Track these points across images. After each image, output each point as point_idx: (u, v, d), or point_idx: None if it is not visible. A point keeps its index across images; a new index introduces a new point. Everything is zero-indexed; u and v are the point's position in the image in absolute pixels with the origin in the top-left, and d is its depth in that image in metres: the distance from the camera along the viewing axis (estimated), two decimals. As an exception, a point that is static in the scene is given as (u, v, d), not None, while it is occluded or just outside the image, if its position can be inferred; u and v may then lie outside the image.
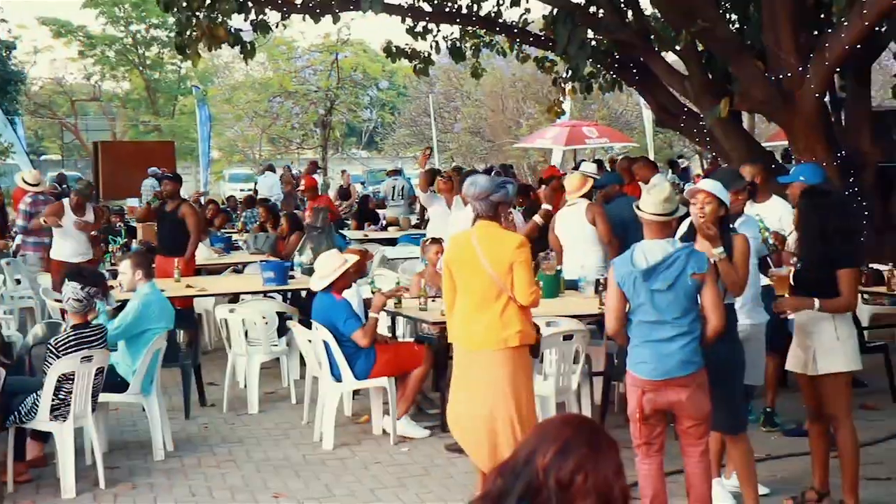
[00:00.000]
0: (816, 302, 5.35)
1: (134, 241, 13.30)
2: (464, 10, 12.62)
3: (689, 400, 4.96)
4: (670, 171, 21.91)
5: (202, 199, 18.33)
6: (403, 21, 12.54)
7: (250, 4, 11.68)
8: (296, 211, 14.81)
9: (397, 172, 20.30)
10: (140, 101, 42.39)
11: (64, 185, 21.65)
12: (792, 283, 5.61)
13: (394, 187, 18.81)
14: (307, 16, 11.93)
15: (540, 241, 8.78)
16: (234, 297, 9.99)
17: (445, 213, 10.29)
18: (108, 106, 43.20)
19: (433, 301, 7.67)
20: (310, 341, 7.45)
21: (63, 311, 7.45)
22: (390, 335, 8.47)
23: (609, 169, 14.95)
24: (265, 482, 6.46)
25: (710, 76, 10.83)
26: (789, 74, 9.68)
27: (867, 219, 9.80)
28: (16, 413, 6.26)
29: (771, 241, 5.89)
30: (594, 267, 8.24)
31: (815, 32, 10.18)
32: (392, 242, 14.42)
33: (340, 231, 15.32)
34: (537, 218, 8.59)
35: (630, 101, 29.88)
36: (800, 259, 5.65)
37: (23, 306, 11.45)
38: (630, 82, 12.25)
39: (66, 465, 6.19)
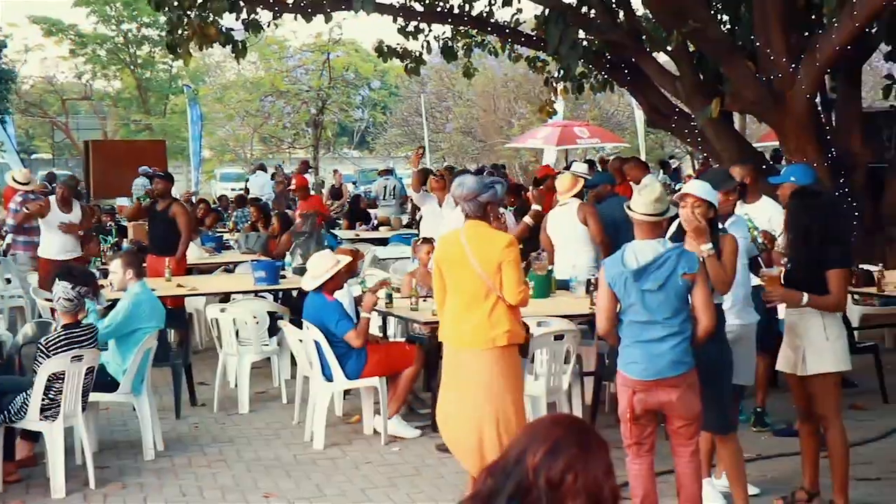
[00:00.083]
0: (805, 296, 5.37)
1: (125, 240, 13.28)
2: (455, 10, 12.64)
3: (680, 400, 4.97)
4: (661, 171, 21.95)
5: (193, 199, 18.31)
6: (395, 21, 12.55)
7: (242, 3, 11.67)
8: (287, 210, 14.81)
9: (389, 172, 20.30)
10: (131, 100, 42.30)
11: (54, 185, 21.57)
12: (783, 283, 5.63)
13: (385, 187, 18.81)
14: (299, 15, 11.93)
15: (531, 242, 8.79)
16: (225, 297, 9.98)
17: (438, 213, 10.30)
18: (99, 105, 43.09)
19: (424, 301, 7.67)
20: (301, 341, 7.44)
21: (53, 311, 7.43)
22: (381, 335, 8.47)
23: (600, 169, 14.97)
24: (256, 482, 6.45)
25: (702, 77, 10.86)
26: (780, 75, 9.71)
27: (857, 219, 9.84)
28: (5, 413, 6.24)
29: (760, 241, 5.89)
30: (585, 267, 8.25)
31: (806, 33, 10.21)
32: (383, 242, 14.42)
33: (332, 231, 15.32)
34: (528, 219, 8.60)
35: (622, 101, 29.92)
36: (790, 259, 5.66)
37: (13, 305, 11.41)
38: (621, 83, 12.28)
39: (55, 465, 6.18)
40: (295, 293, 9.73)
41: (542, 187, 11.44)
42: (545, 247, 8.47)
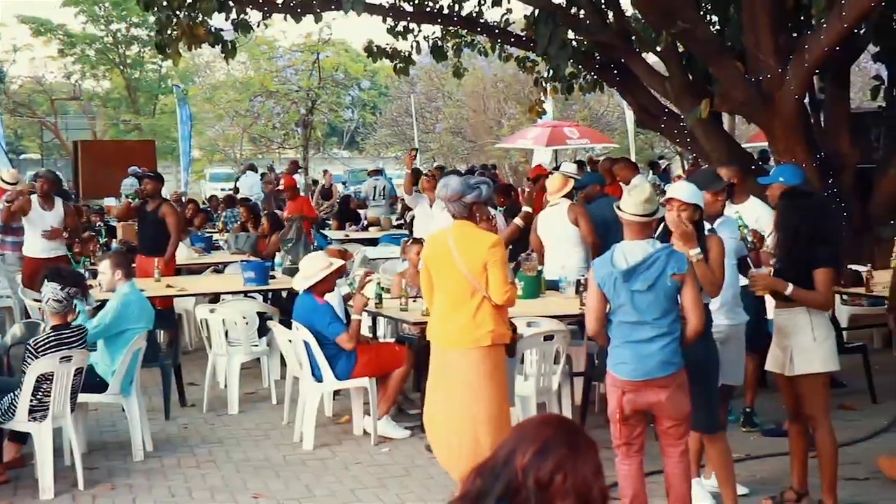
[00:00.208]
0: (790, 286, 5.38)
1: (114, 240, 13.25)
2: (445, 10, 12.63)
3: (669, 400, 4.97)
4: (651, 171, 21.97)
5: (182, 199, 18.26)
6: (385, 21, 12.54)
7: (231, 3, 11.64)
8: (277, 211, 14.78)
9: (378, 172, 20.30)
10: (120, 100, 42.14)
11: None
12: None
13: (375, 187, 18.81)
14: (288, 15, 11.91)
15: (521, 243, 8.80)
16: (215, 297, 9.96)
17: (429, 213, 10.31)
18: (88, 105, 42.91)
19: (414, 301, 7.67)
20: (290, 341, 7.43)
21: (42, 311, 7.41)
22: (371, 335, 8.47)
23: (589, 169, 14.99)
24: (245, 483, 6.44)
25: (691, 77, 10.87)
26: (769, 76, 9.73)
27: (846, 220, 9.86)
28: (-7, 414, 6.22)
29: (750, 239, 5.91)
30: (575, 267, 8.26)
31: (795, 34, 10.23)
32: (373, 242, 14.41)
33: (321, 231, 15.31)
34: (518, 220, 8.61)
35: (611, 101, 29.94)
36: (779, 260, 5.67)
37: (1, 306, 11.37)
38: (611, 83, 12.29)
39: (44, 466, 6.16)
40: (284, 294, 9.71)
41: (534, 187, 11.46)
42: (534, 247, 8.48)
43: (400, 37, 12.90)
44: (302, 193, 17.34)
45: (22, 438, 6.55)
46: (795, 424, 5.71)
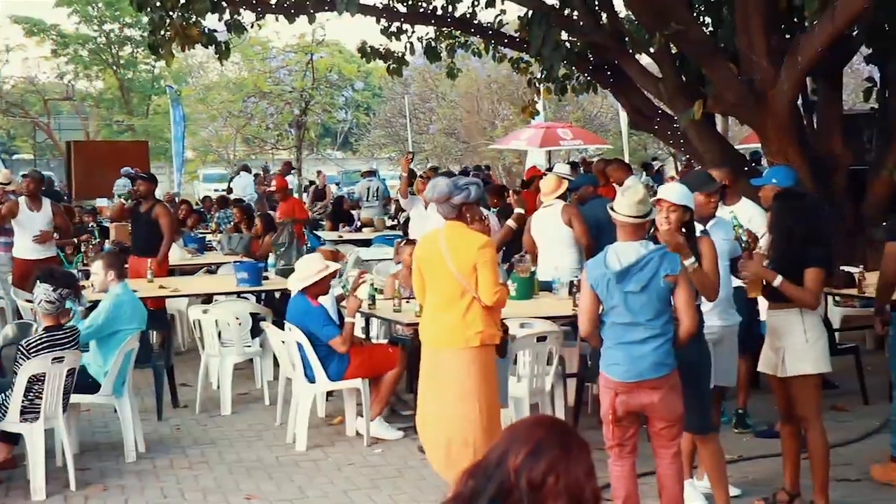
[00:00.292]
0: (779, 277, 5.40)
1: (107, 241, 13.22)
2: (439, 11, 12.63)
3: (662, 402, 4.98)
4: (644, 173, 22.01)
5: (175, 199, 18.25)
6: (378, 22, 12.54)
7: (224, 4, 11.63)
8: (270, 212, 14.76)
9: (372, 173, 20.31)
10: (113, 100, 42.06)
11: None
12: (764, 284, 5.65)
13: (368, 188, 18.82)
14: (282, 16, 11.90)
15: (515, 244, 8.80)
16: (208, 298, 9.94)
17: (425, 215, 10.29)
18: (81, 105, 42.83)
19: (407, 302, 7.67)
20: (283, 342, 7.42)
21: (35, 312, 7.39)
22: (364, 336, 8.46)
23: (583, 170, 15.00)
24: (238, 484, 6.43)
25: (684, 79, 10.89)
26: (762, 77, 9.75)
27: (838, 221, 9.88)
28: (-15, 414, 6.20)
29: (745, 239, 5.91)
30: (569, 268, 8.27)
31: (788, 36, 10.25)
32: (367, 243, 14.42)
33: (315, 232, 15.29)
34: (511, 222, 8.62)
35: (605, 102, 29.96)
36: (772, 261, 5.68)
37: (-6, 307, 11.34)
38: (604, 84, 12.30)
39: (36, 467, 6.14)
40: (278, 294, 9.70)
41: (526, 189, 11.47)
42: (527, 248, 8.48)
43: (394, 37, 12.90)
44: (295, 195, 17.34)
45: (13, 439, 6.52)
46: (788, 425, 5.72)
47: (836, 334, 8.53)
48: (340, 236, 15.82)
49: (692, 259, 5.18)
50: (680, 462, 5.18)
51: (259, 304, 9.55)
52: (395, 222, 17.43)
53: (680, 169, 22.07)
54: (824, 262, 5.49)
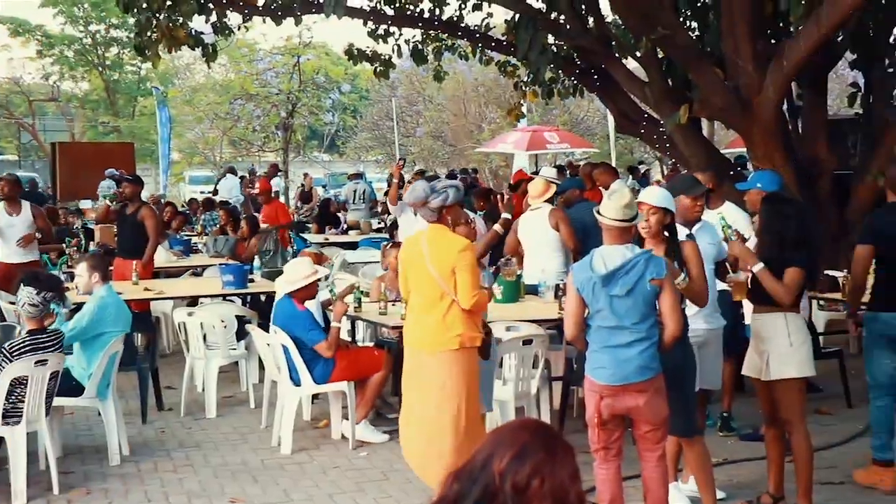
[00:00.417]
0: (760, 264, 5.43)
1: (92, 243, 13.16)
2: (426, 14, 12.64)
3: (647, 405, 4.98)
4: (630, 176, 22.04)
5: (161, 201, 18.19)
6: (365, 24, 12.54)
7: (211, 6, 11.61)
8: (255, 214, 14.74)
9: (359, 176, 20.30)
10: (99, 101, 41.92)
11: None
12: (749, 287, 5.67)
13: (355, 191, 18.80)
14: (268, 18, 11.88)
15: (501, 248, 8.79)
16: (193, 301, 9.92)
17: (413, 219, 10.28)
18: (66, 106, 42.67)
19: (393, 305, 7.67)
20: (269, 345, 7.41)
21: (18, 315, 7.35)
22: (350, 339, 8.45)
23: (569, 174, 15.02)
24: (222, 487, 6.41)
25: (670, 83, 10.91)
26: (748, 82, 9.78)
27: (823, 226, 9.91)
28: (-32, 417, 6.16)
29: (734, 238, 5.93)
30: (555, 272, 8.28)
31: (773, 41, 10.29)
32: (353, 246, 14.41)
33: (301, 235, 15.28)
34: (497, 227, 8.62)
35: (591, 106, 30.01)
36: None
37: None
38: (591, 88, 12.32)
39: (17, 470, 6.11)
40: (263, 297, 9.68)
41: (514, 193, 11.46)
42: (509, 251, 8.47)
43: (381, 40, 12.90)
44: (281, 198, 17.31)
45: (-5, 443, 6.49)
46: (772, 429, 5.73)
47: (821, 338, 8.56)
48: (327, 239, 15.81)
49: (683, 276, 5.21)
50: (665, 465, 5.19)
51: (244, 306, 9.52)
52: (382, 225, 17.43)
53: (666, 173, 22.12)
54: (804, 263, 5.51)
